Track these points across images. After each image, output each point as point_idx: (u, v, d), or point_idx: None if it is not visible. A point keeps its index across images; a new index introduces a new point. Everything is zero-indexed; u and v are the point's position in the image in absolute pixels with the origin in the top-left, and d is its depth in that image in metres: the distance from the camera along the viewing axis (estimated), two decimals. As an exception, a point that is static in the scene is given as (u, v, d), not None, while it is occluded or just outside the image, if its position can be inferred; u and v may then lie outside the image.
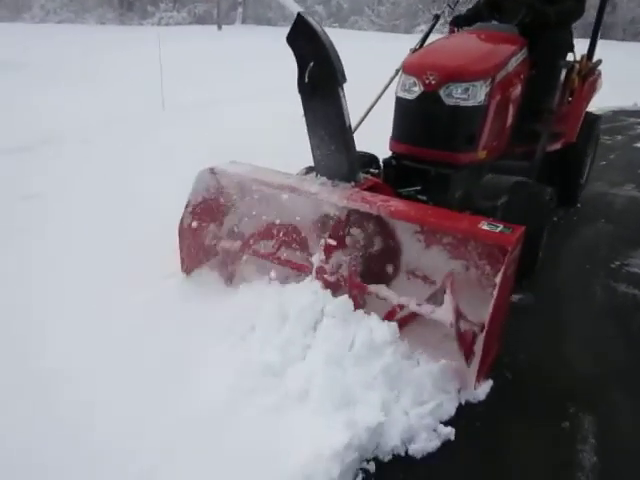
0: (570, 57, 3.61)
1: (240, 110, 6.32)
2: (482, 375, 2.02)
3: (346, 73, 2.19)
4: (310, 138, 2.41)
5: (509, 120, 3.11)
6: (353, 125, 2.82)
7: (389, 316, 2.16)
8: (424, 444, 1.74)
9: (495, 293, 1.83)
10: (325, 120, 2.29)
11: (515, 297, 2.61)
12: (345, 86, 2.19)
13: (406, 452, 1.72)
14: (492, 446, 1.82)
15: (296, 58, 2.24)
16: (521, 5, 3.18)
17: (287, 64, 2.60)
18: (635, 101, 9.83)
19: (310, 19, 2.11)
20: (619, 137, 7.08)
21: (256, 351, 2.01)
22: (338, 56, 2.14)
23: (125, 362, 2.00)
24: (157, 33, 7.83)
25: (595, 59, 3.85)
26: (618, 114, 8.70)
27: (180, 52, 7.48)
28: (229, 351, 2.05)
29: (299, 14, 2.11)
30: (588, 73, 3.69)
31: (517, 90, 3.10)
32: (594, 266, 3.14)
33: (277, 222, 2.41)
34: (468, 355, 1.99)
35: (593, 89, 3.85)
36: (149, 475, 1.58)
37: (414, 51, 3.43)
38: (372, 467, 1.67)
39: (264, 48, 12.28)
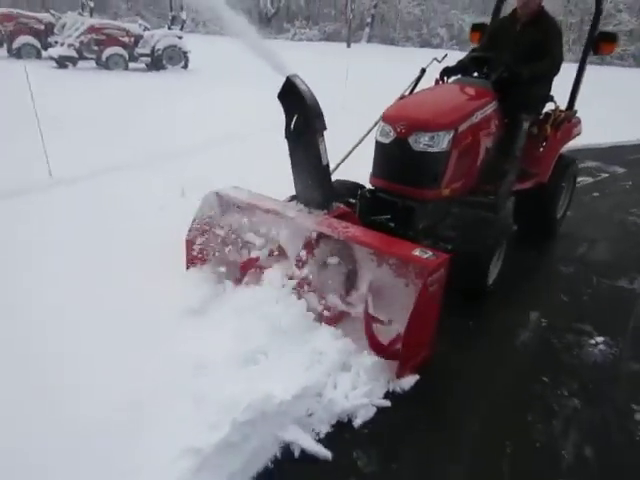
0: (551, 105, 3.86)
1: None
2: (407, 370, 2.38)
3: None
4: (293, 173, 2.77)
5: (477, 162, 3.38)
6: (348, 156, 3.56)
7: (339, 318, 2.58)
8: (363, 417, 2.19)
9: (412, 305, 2.18)
10: (305, 161, 2.65)
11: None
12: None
13: (349, 421, 2.18)
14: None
15: (284, 111, 2.58)
16: (501, 63, 3.44)
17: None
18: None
19: (297, 80, 2.46)
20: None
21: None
22: (319, 110, 2.51)
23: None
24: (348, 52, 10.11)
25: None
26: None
27: (332, 65, 9.90)
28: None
29: (287, 77, 2.46)
30: (561, 122, 3.91)
31: (484, 137, 3.35)
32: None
33: (264, 239, 2.80)
34: (392, 351, 2.37)
35: (568, 136, 4.11)
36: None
37: (401, 97, 3.76)
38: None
39: (392, 67, 14.40)
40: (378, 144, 3.21)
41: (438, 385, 2.48)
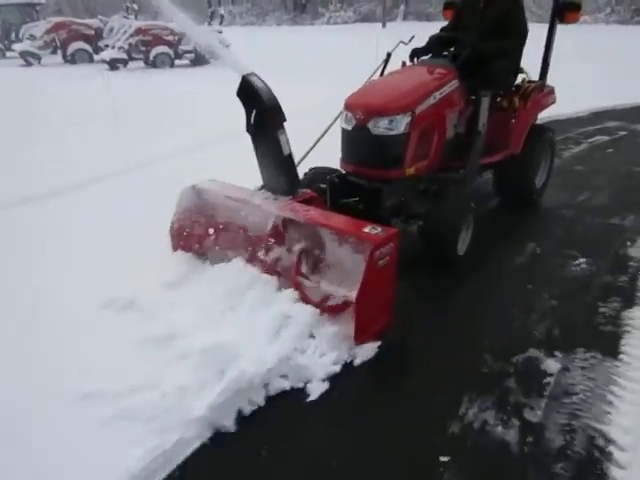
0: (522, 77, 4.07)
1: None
2: (366, 337, 2.55)
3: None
4: (258, 164, 2.97)
5: (442, 141, 3.46)
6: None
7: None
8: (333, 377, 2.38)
9: (361, 276, 2.35)
10: (267, 152, 2.85)
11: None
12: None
13: (323, 380, 2.37)
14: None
15: (244, 108, 2.76)
16: (464, 43, 3.57)
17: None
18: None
19: (253, 79, 2.65)
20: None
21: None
22: (277, 105, 2.70)
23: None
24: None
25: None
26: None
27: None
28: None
29: (243, 76, 2.65)
30: (530, 93, 4.03)
31: (447, 116, 3.45)
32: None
33: (235, 224, 3.01)
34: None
35: (538, 106, 4.23)
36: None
37: (369, 82, 3.84)
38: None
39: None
40: (343, 131, 3.36)
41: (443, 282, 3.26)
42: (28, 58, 17.66)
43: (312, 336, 2.56)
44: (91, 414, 2.11)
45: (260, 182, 3.17)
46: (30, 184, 4.82)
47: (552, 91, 4.44)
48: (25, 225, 3.98)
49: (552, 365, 2.55)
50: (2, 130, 7.20)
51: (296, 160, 3.04)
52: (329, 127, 4.06)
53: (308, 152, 3.93)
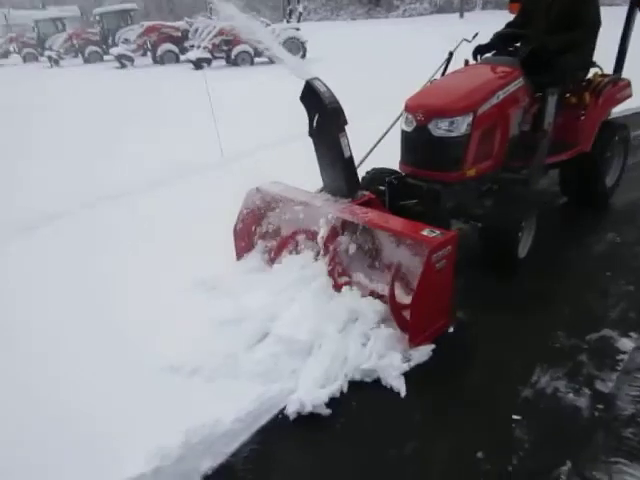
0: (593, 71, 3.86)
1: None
2: (421, 340, 2.57)
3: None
4: (319, 166, 3.03)
5: (505, 140, 3.39)
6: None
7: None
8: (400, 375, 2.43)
9: (418, 278, 2.38)
10: (328, 155, 2.90)
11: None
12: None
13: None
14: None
15: (307, 112, 2.85)
16: (530, 38, 3.48)
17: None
18: None
19: (316, 84, 2.72)
20: None
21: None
22: (339, 109, 2.76)
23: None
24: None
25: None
26: None
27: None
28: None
29: (307, 81, 2.72)
30: (602, 88, 3.81)
31: (511, 115, 3.37)
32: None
33: (297, 226, 3.14)
34: (405, 324, 2.57)
35: (611, 101, 3.97)
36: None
37: (431, 82, 3.84)
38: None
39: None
40: (403, 132, 3.35)
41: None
42: (123, 61, 19.15)
43: (368, 336, 2.63)
44: (177, 381, 2.42)
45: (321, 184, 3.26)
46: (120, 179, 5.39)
47: (628, 85, 4.15)
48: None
49: (626, 344, 2.68)
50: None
51: (356, 162, 3.11)
52: (389, 128, 4.06)
53: (368, 154, 3.92)
